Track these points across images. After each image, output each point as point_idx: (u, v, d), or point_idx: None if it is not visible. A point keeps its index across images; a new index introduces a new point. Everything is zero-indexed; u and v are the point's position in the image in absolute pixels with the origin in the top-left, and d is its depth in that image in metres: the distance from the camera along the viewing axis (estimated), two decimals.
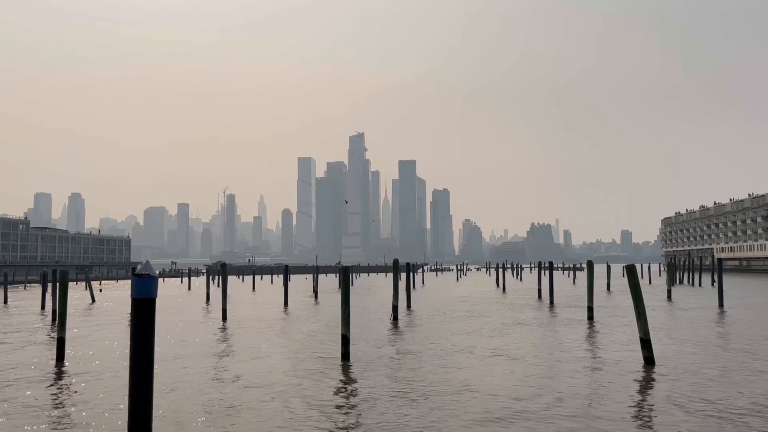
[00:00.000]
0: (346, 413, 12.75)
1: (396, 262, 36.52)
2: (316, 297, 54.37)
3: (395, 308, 33.73)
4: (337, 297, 53.57)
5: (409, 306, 40.20)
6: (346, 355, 19.42)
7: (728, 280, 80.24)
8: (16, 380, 16.78)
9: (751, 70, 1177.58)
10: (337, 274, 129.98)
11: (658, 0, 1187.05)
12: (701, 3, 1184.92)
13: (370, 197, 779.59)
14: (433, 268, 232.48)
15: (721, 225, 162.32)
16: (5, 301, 54.29)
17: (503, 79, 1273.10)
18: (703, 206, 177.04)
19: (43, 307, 44.32)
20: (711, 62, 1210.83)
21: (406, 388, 15.09)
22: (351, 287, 67.70)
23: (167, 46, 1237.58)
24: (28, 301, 56.60)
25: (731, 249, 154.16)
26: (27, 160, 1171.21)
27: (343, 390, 15.01)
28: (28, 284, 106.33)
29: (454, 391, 14.59)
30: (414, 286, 69.47)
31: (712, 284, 67.42)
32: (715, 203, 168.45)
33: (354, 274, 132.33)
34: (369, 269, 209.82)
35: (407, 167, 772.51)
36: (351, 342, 20.07)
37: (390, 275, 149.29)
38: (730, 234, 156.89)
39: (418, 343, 23.20)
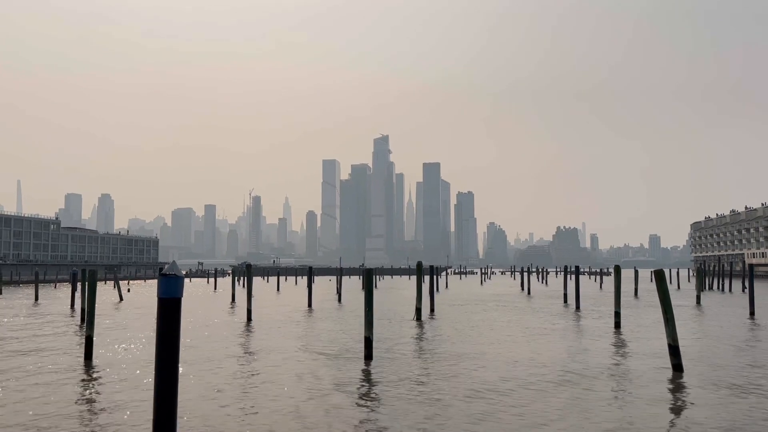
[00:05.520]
0: (368, 414, 12.74)
1: (420, 264, 36.44)
2: (339, 298, 54.50)
3: (419, 310, 33.67)
4: (361, 298, 53.60)
5: (432, 309, 40.06)
6: (369, 357, 19.43)
7: (759, 287, 78.43)
8: (45, 377, 17.11)
9: None
10: (361, 276, 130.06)
11: (687, 1, 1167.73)
12: (734, 3, 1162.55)
13: (395, 200, 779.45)
14: (457, 271, 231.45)
15: (752, 230, 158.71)
16: (36, 299, 55.42)
17: (529, 82, 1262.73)
18: (734, 210, 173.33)
19: (72, 305, 45.13)
20: (743, 63, 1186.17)
21: (429, 390, 15.03)
22: (374, 289, 67.73)
23: (192, 49, 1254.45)
24: (57, 299, 57.73)
25: (763, 255, 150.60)
26: (58, 161, 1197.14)
27: (366, 391, 15.01)
28: (58, 283, 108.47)
29: (477, 395, 14.49)
30: (437, 289, 69.22)
31: (743, 290, 65.98)
32: (746, 207, 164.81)
33: (377, 277, 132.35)
34: (392, 272, 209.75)
35: (432, 170, 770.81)
36: (374, 343, 20.08)
37: (413, 278, 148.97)
38: (761, 239, 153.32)
39: (441, 346, 23.10)
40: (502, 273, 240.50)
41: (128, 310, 43.85)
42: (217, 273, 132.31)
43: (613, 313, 32.64)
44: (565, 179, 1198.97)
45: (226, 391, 15.05)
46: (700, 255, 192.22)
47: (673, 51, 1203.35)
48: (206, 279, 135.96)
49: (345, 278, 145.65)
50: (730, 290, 67.57)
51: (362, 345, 20.67)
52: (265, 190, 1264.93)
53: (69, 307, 45.42)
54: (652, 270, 20.28)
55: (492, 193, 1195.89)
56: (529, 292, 66.66)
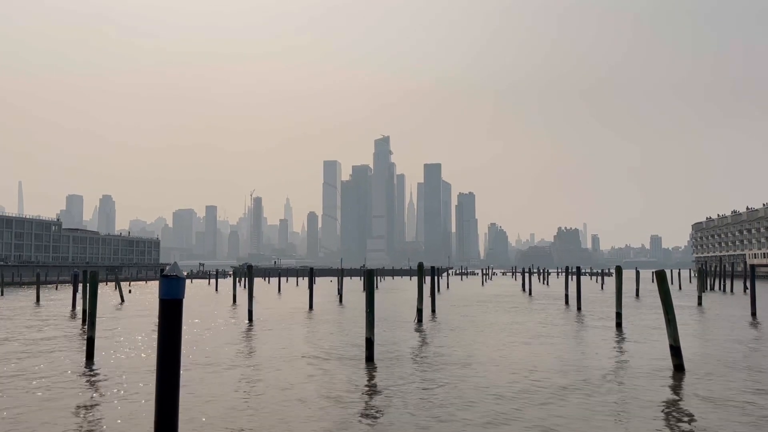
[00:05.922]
0: (369, 416, 12.74)
1: (421, 265, 36.42)
2: (340, 299, 54.48)
3: (420, 311, 33.66)
4: (362, 299, 53.60)
5: (433, 310, 40.05)
6: (370, 358, 19.42)
7: (761, 287, 78.35)
8: (47, 379, 17.11)
9: None
10: (362, 277, 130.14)
11: (687, 1, 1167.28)
12: (734, 3, 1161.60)
13: (395, 200, 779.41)
14: (458, 271, 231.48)
15: (753, 230, 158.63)
16: (37, 301, 55.46)
17: (529, 82, 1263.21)
18: (735, 211, 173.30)
19: (73, 306, 45.15)
20: (743, 63, 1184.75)
21: (430, 392, 15.02)
22: (375, 290, 67.76)
23: (192, 49, 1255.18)
24: (59, 300, 57.75)
25: (764, 255, 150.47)
26: (59, 162, 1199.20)
27: (367, 393, 15.01)
28: (59, 284, 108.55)
29: (478, 397, 14.48)
30: (439, 290, 69.21)
31: (744, 291, 65.91)
32: (747, 208, 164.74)
33: (378, 277, 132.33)
34: (394, 272, 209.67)
35: (432, 170, 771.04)
36: (376, 344, 20.07)
37: (414, 278, 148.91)
38: (763, 240, 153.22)
39: (442, 347, 23.09)
40: (503, 274, 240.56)
41: (129, 311, 43.87)
42: (219, 274, 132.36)
43: (614, 314, 32.60)
44: (566, 180, 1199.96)
45: (227, 393, 15.05)
46: (702, 255, 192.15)
47: (674, 50, 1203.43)
48: (207, 280, 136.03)
49: (346, 279, 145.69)
50: (731, 291, 67.50)
51: (363, 346, 20.66)
52: (266, 191, 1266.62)
53: (70, 308, 45.44)
54: (654, 270, 20.27)
55: (493, 194, 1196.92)
56: (530, 293, 66.62)
